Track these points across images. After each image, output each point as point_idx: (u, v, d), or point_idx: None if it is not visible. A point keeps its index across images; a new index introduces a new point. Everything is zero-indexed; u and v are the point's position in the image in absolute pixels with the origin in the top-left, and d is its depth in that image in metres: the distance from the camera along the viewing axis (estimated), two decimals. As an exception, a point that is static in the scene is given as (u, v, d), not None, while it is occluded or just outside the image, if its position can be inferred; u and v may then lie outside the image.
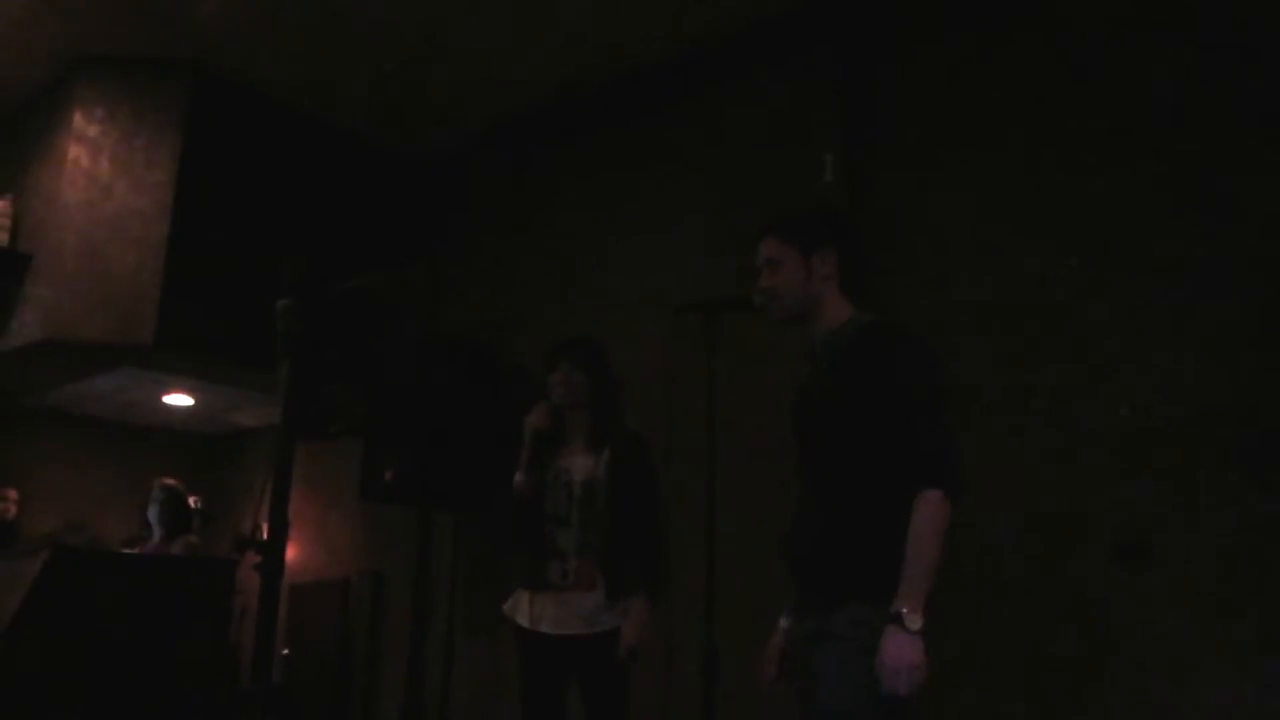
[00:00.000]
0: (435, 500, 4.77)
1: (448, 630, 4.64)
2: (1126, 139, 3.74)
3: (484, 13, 4.94)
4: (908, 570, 1.96)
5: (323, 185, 5.91)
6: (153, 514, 4.84)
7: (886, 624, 1.94)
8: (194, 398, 6.71)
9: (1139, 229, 3.64)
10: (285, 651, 6.10)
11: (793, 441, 2.30)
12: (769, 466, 3.59)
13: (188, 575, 4.06)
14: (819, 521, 2.18)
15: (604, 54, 5.19)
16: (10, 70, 5.66)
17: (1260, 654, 3.12)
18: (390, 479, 4.74)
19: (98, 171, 5.41)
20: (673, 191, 5.03)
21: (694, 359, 2.82)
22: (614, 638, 2.88)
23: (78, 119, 5.46)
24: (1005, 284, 3.92)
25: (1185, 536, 3.31)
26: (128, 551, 4.87)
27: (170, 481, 4.96)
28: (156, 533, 4.84)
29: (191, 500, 5.05)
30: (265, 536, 2.12)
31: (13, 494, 6.32)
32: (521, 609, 3.02)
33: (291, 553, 3.62)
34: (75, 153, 5.41)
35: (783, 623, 2.29)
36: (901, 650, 1.91)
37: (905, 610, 1.93)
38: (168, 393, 6.58)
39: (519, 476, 3.09)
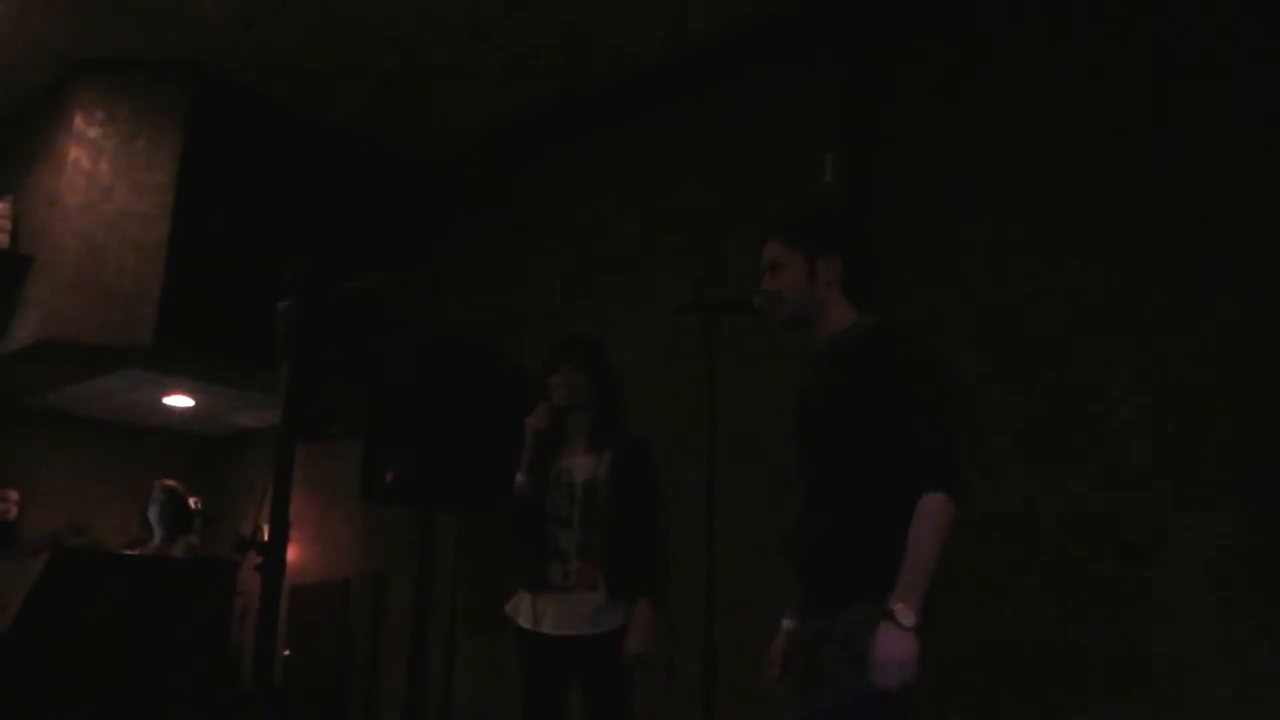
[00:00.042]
0: (436, 501, 4.77)
1: (448, 631, 4.64)
2: (1126, 139, 3.74)
3: (484, 12, 4.94)
4: (905, 568, 1.97)
5: (323, 185, 5.91)
6: (153, 515, 4.85)
7: (879, 620, 1.95)
8: (194, 398, 6.71)
9: (1139, 229, 3.64)
10: (286, 652, 6.10)
11: (795, 444, 2.30)
12: (769, 466, 3.60)
13: (189, 576, 4.07)
14: (822, 523, 2.18)
15: (604, 54, 5.19)
16: (11, 71, 5.67)
17: (1260, 654, 3.12)
18: (391, 480, 4.74)
19: (98, 173, 5.41)
20: (673, 191, 5.03)
21: (694, 359, 2.82)
22: (616, 638, 2.88)
23: (78, 120, 5.46)
24: (1005, 284, 3.92)
25: (1185, 536, 3.31)
26: (129, 552, 4.87)
27: (171, 483, 4.96)
28: (157, 534, 4.84)
29: (192, 501, 5.05)
30: (266, 537, 2.12)
31: (13, 495, 6.31)
32: (523, 610, 3.02)
33: (292, 554, 3.61)
34: (76, 154, 5.41)
35: (786, 624, 2.30)
36: (893, 645, 1.92)
37: (899, 606, 1.94)
38: (168, 394, 6.59)
39: (520, 477, 3.09)
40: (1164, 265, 3.55)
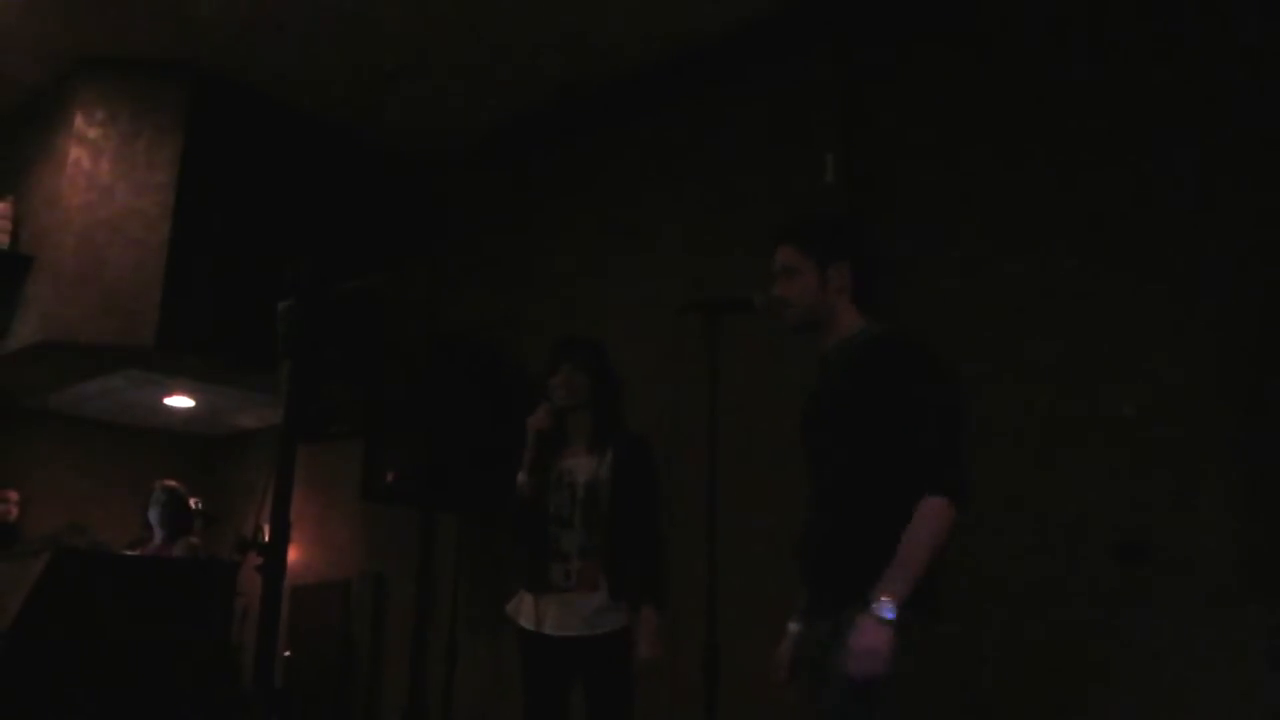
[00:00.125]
0: (436, 501, 4.77)
1: (449, 631, 4.65)
2: (1125, 139, 3.74)
3: (484, 13, 4.94)
4: (893, 563, 1.99)
5: (323, 185, 5.91)
6: (154, 515, 4.85)
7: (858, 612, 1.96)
8: (195, 399, 6.71)
9: (1138, 229, 3.64)
10: (287, 653, 6.10)
11: (803, 448, 2.32)
12: (770, 467, 3.61)
13: (189, 577, 4.07)
14: (828, 525, 2.20)
15: (604, 54, 5.19)
16: (11, 72, 5.67)
17: (1260, 653, 3.12)
18: (391, 480, 4.74)
19: (98, 173, 5.41)
20: (673, 191, 5.03)
21: (694, 359, 2.82)
22: (617, 639, 2.88)
23: (78, 121, 5.46)
24: (1005, 283, 3.92)
25: (1185, 536, 3.31)
26: (129, 553, 4.87)
27: (171, 483, 4.96)
28: (158, 534, 4.84)
29: (192, 502, 5.05)
30: (267, 538, 2.12)
31: (14, 495, 6.32)
32: (524, 610, 3.02)
33: (293, 554, 3.62)
34: (76, 154, 5.41)
35: (792, 627, 2.31)
36: (868, 636, 1.93)
37: (881, 599, 1.95)
38: (169, 394, 6.59)
39: (521, 477, 3.09)
40: (1164, 265, 3.55)
